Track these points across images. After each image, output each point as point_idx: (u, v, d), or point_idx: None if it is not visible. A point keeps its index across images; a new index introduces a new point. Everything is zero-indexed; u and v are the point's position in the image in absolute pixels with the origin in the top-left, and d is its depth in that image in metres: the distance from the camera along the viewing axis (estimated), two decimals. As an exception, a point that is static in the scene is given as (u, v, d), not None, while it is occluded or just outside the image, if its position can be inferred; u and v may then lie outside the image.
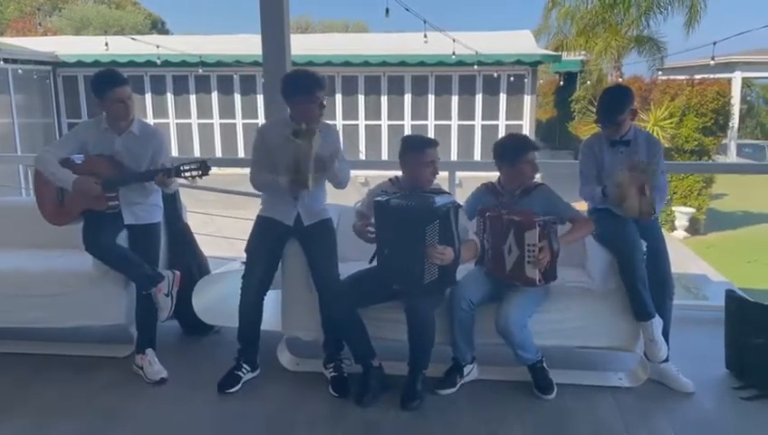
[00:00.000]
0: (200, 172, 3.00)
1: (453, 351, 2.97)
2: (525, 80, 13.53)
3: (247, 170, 3.08)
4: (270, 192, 3.07)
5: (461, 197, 3.19)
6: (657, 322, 2.91)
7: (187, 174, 2.99)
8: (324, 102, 2.98)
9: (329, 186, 3.10)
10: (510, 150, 2.97)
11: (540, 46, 15.86)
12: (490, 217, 2.93)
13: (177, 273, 3.19)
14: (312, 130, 2.83)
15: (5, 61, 12.68)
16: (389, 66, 13.54)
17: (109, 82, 2.99)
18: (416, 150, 2.92)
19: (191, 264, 3.53)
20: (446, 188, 3.46)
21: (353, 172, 3.13)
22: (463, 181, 4.15)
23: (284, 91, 2.98)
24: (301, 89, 2.94)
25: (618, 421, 2.72)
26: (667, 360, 2.98)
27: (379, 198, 2.82)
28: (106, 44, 13.34)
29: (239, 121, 13.98)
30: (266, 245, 3.06)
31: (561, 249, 2.78)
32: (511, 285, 2.88)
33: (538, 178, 3.11)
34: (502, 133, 13.56)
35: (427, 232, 2.69)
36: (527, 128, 13.61)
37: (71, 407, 2.85)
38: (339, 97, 13.95)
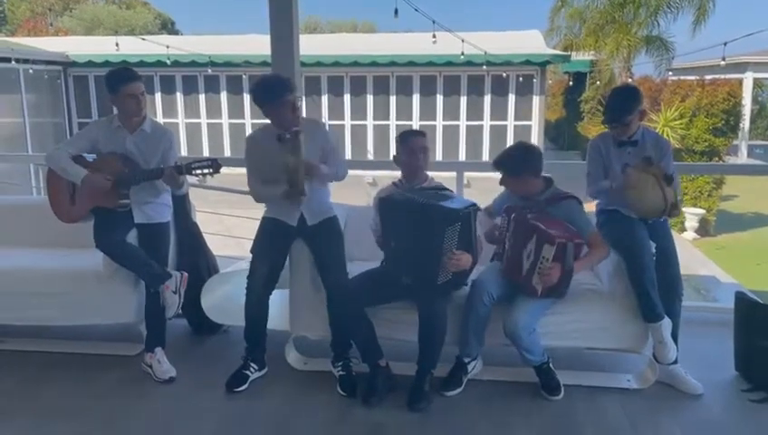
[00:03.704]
0: (211, 171, 3.01)
1: (460, 347, 2.96)
2: (534, 80, 13.49)
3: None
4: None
5: (469, 197, 3.18)
6: (667, 323, 2.89)
7: (198, 172, 3.00)
8: (297, 104, 2.96)
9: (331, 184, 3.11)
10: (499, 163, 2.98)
11: (549, 46, 15.80)
12: (516, 219, 2.90)
13: (185, 274, 3.20)
14: (295, 139, 2.82)
15: (17, 61, 12.78)
16: (398, 66, 13.53)
17: (122, 77, 3.02)
18: (402, 143, 3.01)
19: (200, 263, 3.55)
20: (453, 187, 3.47)
21: (361, 172, 3.15)
22: (471, 182, 4.14)
23: (254, 99, 2.96)
24: (268, 95, 2.92)
25: (626, 423, 2.71)
26: (675, 362, 2.97)
27: (383, 196, 2.86)
28: (116, 45, 13.41)
29: (248, 121, 14.02)
30: (271, 245, 3.06)
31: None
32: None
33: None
34: (510, 134, 13.54)
35: (447, 234, 2.67)
36: (536, 128, 13.57)
37: (79, 405, 2.87)
38: (347, 97, 13.97)
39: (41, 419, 2.78)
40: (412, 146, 2.99)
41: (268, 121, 3.01)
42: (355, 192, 3.21)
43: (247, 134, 3.16)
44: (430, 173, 3.09)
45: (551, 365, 2.92)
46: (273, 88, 2.93)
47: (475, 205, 2.79)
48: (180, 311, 3.21)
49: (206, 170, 3.00)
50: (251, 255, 3.11)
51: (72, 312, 3.27)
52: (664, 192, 2.74)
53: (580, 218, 2.89)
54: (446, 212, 2.69)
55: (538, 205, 2.90)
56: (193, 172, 3.01)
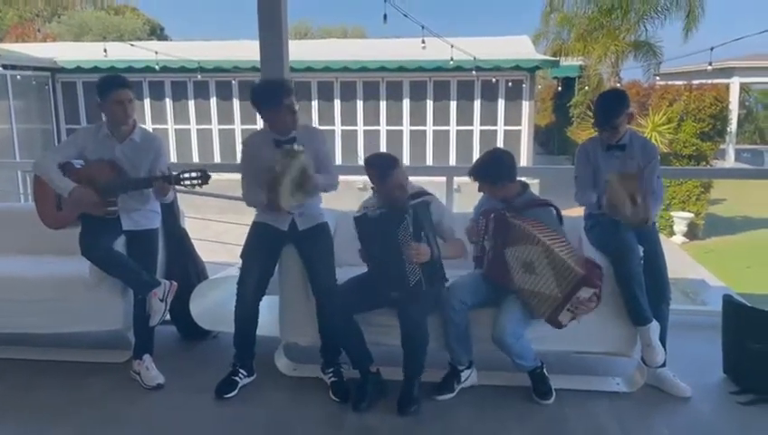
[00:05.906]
0: (200, 181, 3.00)
1: (449, 354, 2.96)
2: (524, 85, 13.53)
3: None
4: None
5: (459, 202, 3.19)
6: (655, 327, 2.91)
7: (187, 182, 2.99)
8: (295, 107, 2.96)
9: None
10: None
11: (538, 52, 15.88)
12: (495, 218, 2.90)
13: (175, 283, 3.17)
14: (294, 152, 2.82)
15: (4, 67, 12.67)
16: (388, 72, 13.54)
17: (109, 84, 3.03)
18: (379, 177, 2.88)
19: (189, 269, 3.53)
20: (443, 193, 3.47)
21: (352, 178, 3.13)
22: (461, 186, 4.15)
23: (253, 104, 2.98)
24: (268, 100, 2.93)
25: (615, 426, 2.71)
26: (664, 365, 2.98)
27: (356, 214, 2.89)
28: (105, 50, 13.33)
29: (238, 127, 13.96)
30: (261, 250, 3.05)
31: None
32: (509, 291, 2.87)
33: (535, 183, 3.10)
34: (500, 138, 13.56)
35: (400, 233, 2.75)
36: (526, 133, 13.61)
37: (67, 413, 2.85)
38: (337, 103, 13.96)
39: (29, 426, 2.75)
40: (391, 185, 2.86)
41: (260, 127, 3.00)
42: (345, 197, 3.21)
43: (239, 139, 3.16)
44: (420, 178, 3.10)
45: (545, 371, 2.93)
46: (271, 92, 2.93)
47: (424, 200, 2.88)
48: (168, 317, 3.18)
49: (195, 181, 2.99)
50: (240, 260, 3.09)
51: (60, 319, 3.24)
52: (633, 211, 2.76)
53: (556, 227, 2.90)
54: (392, 215, 2.79)
55: (514, 208, 2.92)
56: (182, 183, 2.99)
